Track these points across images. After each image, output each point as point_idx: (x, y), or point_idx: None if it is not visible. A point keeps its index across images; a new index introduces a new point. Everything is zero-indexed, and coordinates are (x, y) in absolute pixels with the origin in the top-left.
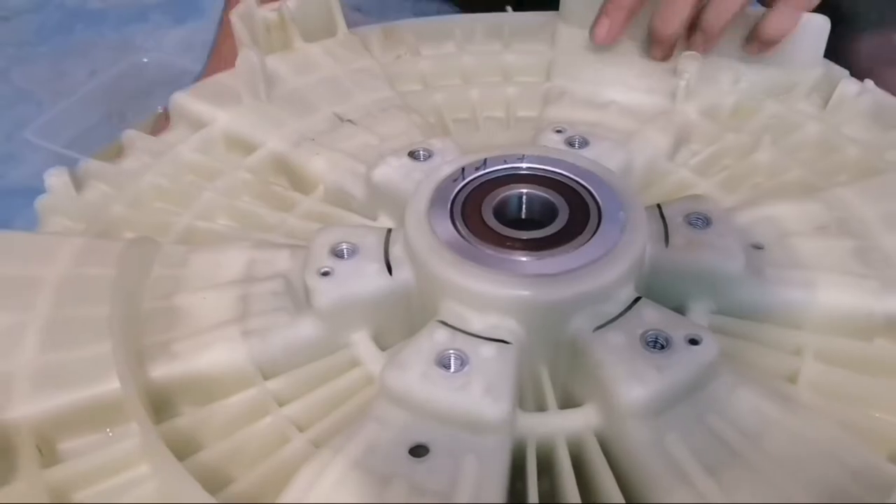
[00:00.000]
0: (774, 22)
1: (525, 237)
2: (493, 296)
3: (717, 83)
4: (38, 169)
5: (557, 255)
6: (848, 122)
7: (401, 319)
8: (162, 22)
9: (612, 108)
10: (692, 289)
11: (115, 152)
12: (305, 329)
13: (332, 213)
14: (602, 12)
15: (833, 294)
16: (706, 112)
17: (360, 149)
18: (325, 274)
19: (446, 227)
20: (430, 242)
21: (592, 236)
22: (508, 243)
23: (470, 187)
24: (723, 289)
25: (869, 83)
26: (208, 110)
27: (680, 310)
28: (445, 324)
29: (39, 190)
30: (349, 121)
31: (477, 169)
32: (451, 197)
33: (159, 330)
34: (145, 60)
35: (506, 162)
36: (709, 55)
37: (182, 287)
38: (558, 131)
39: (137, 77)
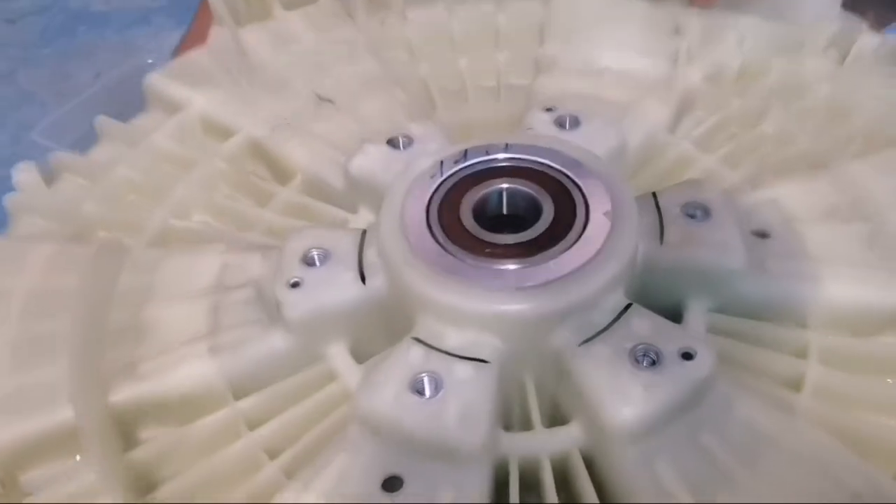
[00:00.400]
0: None
1: (505, 242)
2: (470, 311)
3: (722, 43)
4: None
5: (539, 262)
6: (866, 80)
7: (379, 328)
8: (164, 24)
9: (607, 76)
10: (690, 287)
11: None
12: (277, 343)
13: (311, 205)
14: None
15: (842, 288)
16: (710, 76)
17: (340, 133)
18: (295, 285)
19: (422, 234)
20: (403, 252)
21: (577, 239)
22: (488, 250)
23: (448, 184)
24: (722, 286)
25: (891, 35)
26: (183, 92)
27: (677, 308)
28: (420, 341)
29: None
30: (328, 100)
31: (456, 162)
32: (428, 197)
33: (125, 347)
34: (150, 62)
35: (488, 152)
36: (712, 11)
37: (152, 296)
38: (548, 110)
39: (141, 79)
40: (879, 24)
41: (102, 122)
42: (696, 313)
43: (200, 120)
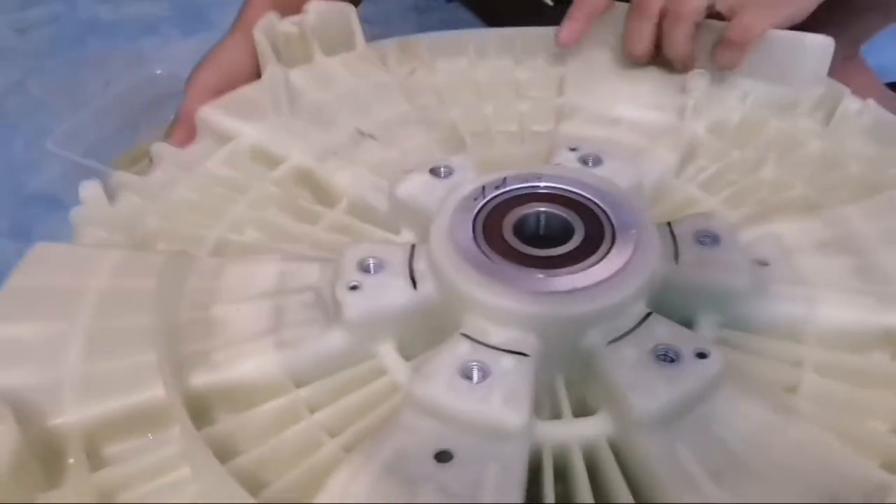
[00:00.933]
0: (737, 26)
1: (543, 255)
2: (514, 311)
3: (725, 100)
4: (57, 177)
5: (573, 272)
6: (849, 139)
7: (424, 331)
8: (172, 34)
9: (622, 125)
10: (701, 304)
11: (130, 161)
12: (335, 340)
13: (356, 226)
14: (568, 17)
15: (833, 310)
16: (713, 128)
17: (383, 164)
18: (354, 288)
19: (469, 245)
20: (453, 260)
21: (606, 255)
22: (527, 261)
23: (490, 205)
24: (730, 304)
25: (871, 101)
26: (234, 125)
27: (689, 323)
28: (468, 337)
29: (59, 198)
30: (370, 136)
31: (497, 187)
32: (473, 215)
33: (198, 340)
34: (158, 72)
35: (525, 181)
36: (715, 73)
37: (217, 299)
38: (572, 149)
39: (151, 89)
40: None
41: (159, 147)
42: (707, 328)
43: (250, 149)
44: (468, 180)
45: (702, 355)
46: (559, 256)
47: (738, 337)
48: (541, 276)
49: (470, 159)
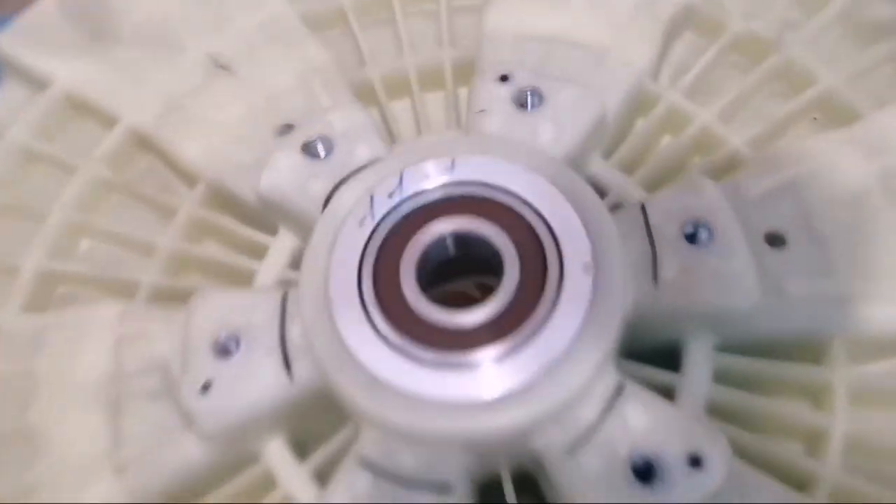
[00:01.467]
0: None
1: (461, 324)
2: (425, 432)
3: None
4: None
5: (508, 354)
6: None
7: (321, 412)
8: None
9: (577, 5)
10: (691, 329)
11: None
12: (194, 453)
13: (219, 224)
14: None
15: (875, 309)
16: None
17: (242, 121)
18: (206, 387)
19: (352, 314)
20: (334, 350)
21: (552, 310)
22: (436, 338)
23: (382, 231)
24: (730, 325)
25: None
26: (42, 63)
27: (676, 347)
28: (369, 463)
29: None
30: (222, 67)
31: (391, 195)
32: (359, 257)
33: (15, 470)
34: None
35: (427, 175)
36: None
37: (37, 391)
38: (503, 78)
39: None
40: None
41: None
42: (700, 358)
43: (69, 103)
44: (354, 161)
45: (695, 461)
46: (485, 326)
47: (743, 366)
48: (461, 367)
49: (358, 115)
